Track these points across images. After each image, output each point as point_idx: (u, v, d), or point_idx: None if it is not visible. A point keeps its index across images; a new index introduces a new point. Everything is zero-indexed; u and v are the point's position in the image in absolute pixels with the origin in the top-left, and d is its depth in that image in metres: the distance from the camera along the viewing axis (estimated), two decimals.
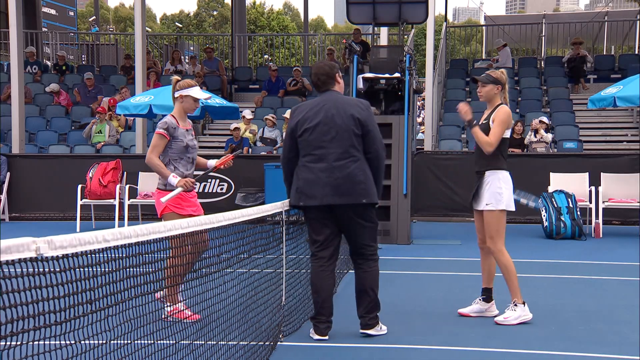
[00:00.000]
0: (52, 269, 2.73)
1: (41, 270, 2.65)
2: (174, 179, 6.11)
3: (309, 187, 5.54)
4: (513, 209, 6.22)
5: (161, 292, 4.47)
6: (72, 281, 2.88)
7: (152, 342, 3.78)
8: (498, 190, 6.11)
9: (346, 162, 5.50)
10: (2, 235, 2.76)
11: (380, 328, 5.77)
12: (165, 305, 4.99)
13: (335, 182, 5.48)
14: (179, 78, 6.48)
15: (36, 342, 2.66)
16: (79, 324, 2.95)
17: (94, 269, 3.07)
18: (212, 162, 6.61)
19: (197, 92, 6.34)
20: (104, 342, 3.29)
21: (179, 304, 5.42)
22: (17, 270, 2.51)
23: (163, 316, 4.21)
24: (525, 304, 6.13)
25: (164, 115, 11.72)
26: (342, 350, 5.44)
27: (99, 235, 2.91)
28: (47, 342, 2.75)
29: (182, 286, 4.79)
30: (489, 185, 6.14)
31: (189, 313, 5.07)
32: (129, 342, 3.53)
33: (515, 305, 6.11)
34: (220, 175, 14.09)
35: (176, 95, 6.33)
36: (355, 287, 5.78)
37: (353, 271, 5.86)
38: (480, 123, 6.27)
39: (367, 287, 5.68)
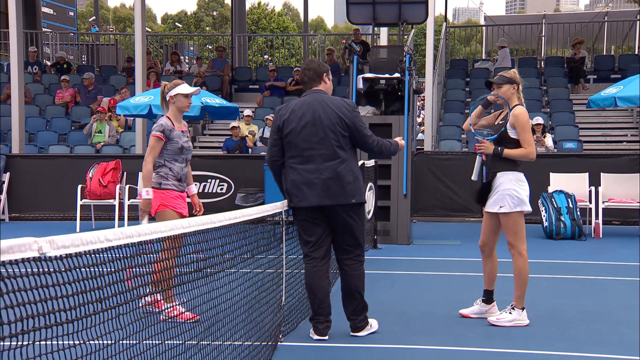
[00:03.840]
0: (53, 269, 2.73)
1: (42, 270, 2.65)
2: (146, 194, 6.26)
3: (297, 189, 5.56)
4: (529, 210, 6.10)
5: (148, 298, 4.43)
6: (71, 282, 2.87)
7: (159, 342, 3.78)
8: (511, 192, 6.00)
9: (334, 163, 5.53)
10: (3, 236, 2.75)
11: (370, 326, 5.79)
12: (161, 309, 4.95)
13: (325, 183, 5.50)
14: (167, 83, 6.61)
15: (42, 342, 2.66)
16: (84, 325, 2.95)
17: (97, 269, 3.06)
18: (193, 189, 6.77)
19: (185, 88, 6.42)
20: (112, 342, 3.29)
21: (176, 303, 5.40)
22: (15, 270, 2.50)
23: (162, 317, 4.20)
24: (524, 310, 6.09)
25: (162, 116, 11.75)
26: (341, 350, 5.45)
27: (100, 235, 2.91)
28: (52, 342, 2.75)
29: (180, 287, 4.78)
30: (500, 186, 6.07)
31: (182, 310, 5.09)
32: (137, 342, 3.53)
33: (513, 309, 6.08)
34: (220, 175, 14.10)
35: (167, 98, 6.44)
36: (341, 289, 5.80)
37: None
38: (496, 123, 6.22)
39: (354, 289, 5.70)
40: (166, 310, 4.87)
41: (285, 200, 5.72)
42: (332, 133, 5.52)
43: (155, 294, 4.24)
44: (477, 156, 6.22)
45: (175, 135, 6.32)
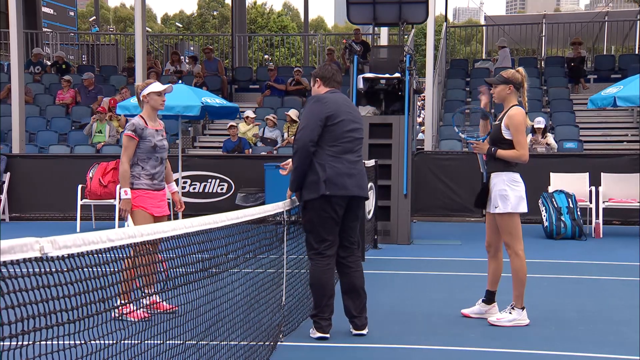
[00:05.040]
0: (55, 269, 2.73)
1: (44, 270, 2.65)
2: (124, 195, 6.38)
3: (341, 178, 5.57)
4: (523, 210, 6.08)
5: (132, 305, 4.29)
6: (73, 282, 2.87)
7: (160, 342, 3.78)
8: (503, 193, 6.01)
9: (360, 158, 5.83)
10: (3, 236, 2.75)
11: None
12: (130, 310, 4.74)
13: (359, 175, 5.72)
14: (139, 84, 6.78)
15: (43, 342, 2.66)
16: (85, 325, 2.95)
17: (99, 269, 3.07)
18: (173, 187, 6.87)
19: (157, 86, 6.57)
20: (114, 342, 3.29)
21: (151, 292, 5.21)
22: (17, 270, 2.50)
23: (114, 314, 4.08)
24: (524, 310, 6.09)
25: (163, 116, 11.75)
26: (341, 350, 5.45)
27: (103, 235, 2.91)
28: (53, 342, 2.76)
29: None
30: (494, 187, 6.08)
31: (158, 300, 4.97)
32: (139, 342, 3.53)
33: (513, 309, 6.08)
34: (220, 175, 14.10)
35: (141, 98, 6.58)
36: (342, 287, 5.78)
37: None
38: (493, 124, 6.25)
39: (359, 286, 5.73)
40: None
41: (288, 200, 5.69)
42: (362, 131, 5.87)
43: (152, 296, 4.18)
44: (478, 154, 6.30)
45: (148, 134, 6.43)
